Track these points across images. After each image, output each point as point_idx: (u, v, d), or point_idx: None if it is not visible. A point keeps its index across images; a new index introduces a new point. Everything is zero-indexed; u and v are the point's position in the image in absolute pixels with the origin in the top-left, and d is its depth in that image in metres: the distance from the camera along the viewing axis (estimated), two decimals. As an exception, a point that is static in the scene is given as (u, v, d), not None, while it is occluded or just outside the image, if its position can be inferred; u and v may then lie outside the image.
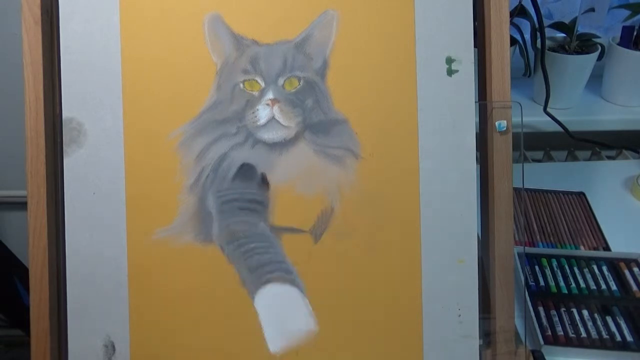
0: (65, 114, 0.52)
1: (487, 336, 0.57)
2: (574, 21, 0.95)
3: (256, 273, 0.53)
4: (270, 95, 0.53)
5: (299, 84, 0.53)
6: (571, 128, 0.95)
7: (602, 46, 0.96)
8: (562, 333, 0.66)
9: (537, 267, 0.76)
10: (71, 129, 0.52)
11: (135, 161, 0.53)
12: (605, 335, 0.66)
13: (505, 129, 0.56)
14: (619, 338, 0.65)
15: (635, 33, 0.95)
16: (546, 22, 0.91)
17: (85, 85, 0.52)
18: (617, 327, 0.67)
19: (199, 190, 0.53)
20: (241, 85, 0.53)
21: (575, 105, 1.01)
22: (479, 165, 0.57)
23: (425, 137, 0.55)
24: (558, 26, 0.97)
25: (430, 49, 0.54)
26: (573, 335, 0.66)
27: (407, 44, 0.54)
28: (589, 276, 0.74)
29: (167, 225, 0.53)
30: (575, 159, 1.06)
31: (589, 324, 0.67)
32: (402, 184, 0.55)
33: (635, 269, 0.75)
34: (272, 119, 0.53)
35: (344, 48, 0.54)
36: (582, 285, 0.73)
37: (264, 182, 0.54)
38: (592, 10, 0.96)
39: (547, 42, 0.92)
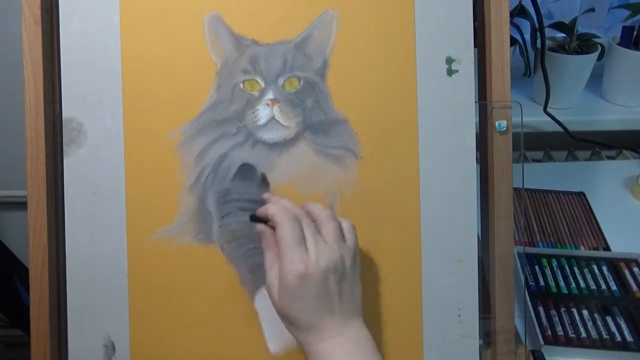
0: (65, 114, 0.52)
1: (487, 336, 0.57)
2: (574, 21, 0.95)
3: (256, 273, 0.53)
4: (270, 95, 0.53)
5: (299, 84, 0.53)
6: (571, 128, 0.95)
7: (602, 46, 0.96)
8: (562, 333, 0.66)
9: (537, 267, 0.76)
10: (71, 129, 0.52)
11: (135, 161, 0.53)
12: (605, 335, 0.66)
13: (505, 129, 0.56)
14: (619, 338, 0.65)
15: (635, 33, 0.95)
16: (546, 22, 0.91)
17: (85, 85, 0.52)
18: (617, 327, 0.67)
19: (199, 190, 0.53)
20: (241, 85, 0.53)
21: (575, 105, 1.01)
22: (479, 165, 0.57)
23: (425, 137, 0.55)
24: (558, 26, 0.97)
25: (430, 49, 0.54)
26: (573, 335, 0.66)
27: (407, 44, 0.54)
28: (589, 276, 0.74)
29: (167, 225, 0.53)
30: (575, 159, 1.06)
31: (589, 324, 0.67)
32: (402, 184, 0.55)
33: (635, 269, 0.75)
34: (272, 119, 0.53)
35: (344, 48, 0.54)
36: (582, 285, 0.73)
37: (264, 182, 0.54)
38: (592, 10, 0.96)
39: (547, 42, 0.92)
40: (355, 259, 0.48)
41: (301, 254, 0.45)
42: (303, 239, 0.46)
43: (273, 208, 0.48)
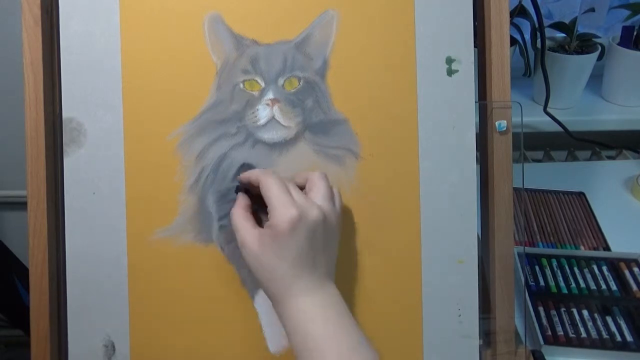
0: (65, 114, 0.52)
1: (487, 336, 0.57)
2: (574, 21, 0.95)
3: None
4: (270, 95, 0.53)
5: (299, 84, 0.53)
6: (571, 128, 0.95)
7: (602, 46, 0.96)
8: (562, 333, 0.66)
9: (537, 267, 0.76)
10: (71, 129, 0.52)
11: (135, 161, 0.53)
12: (605, 335, 0.66)
13: (505, 129, 0.56)
14: (619, 338, 0.66)
15: (635, 33, 0.95)
16: (546, 22, 0.91)
17: (85, 85, 0.52)
18: (617, 327, 0.67)
19: (199, 190, 0.53)
20: (241, 85, 0.53)
21: (575, 105, 1.01)
22: (479, 165, 0.57)
23: (425, 137, 0.55)
24: (558, 26, 0.97)
25: (430, 49, 0.54)
26: (573, 335, 0.66)
27: (407, 44, 0.54)
28: (589, 276, 0.74)
29: (167, 225, 0.53)
30: (575, 159, 1.06)
31: (589, 324, 0.67)
32: (402, 184, 0.55)
33: (635, 269, 0.75)
34: (272, 119, 0.53)
35: (344, 48, 0.54)
36: (582, 285, 0.73)
37: (264, 182, 0.53)
38: (592, 10, 0.96)
39: (547, 42, 0.92)
40: (339, 224, 0.49)
41: (292, 201, 0.46)
42: (290, 193, 0.47)
43: (257, 171, 0.50)
